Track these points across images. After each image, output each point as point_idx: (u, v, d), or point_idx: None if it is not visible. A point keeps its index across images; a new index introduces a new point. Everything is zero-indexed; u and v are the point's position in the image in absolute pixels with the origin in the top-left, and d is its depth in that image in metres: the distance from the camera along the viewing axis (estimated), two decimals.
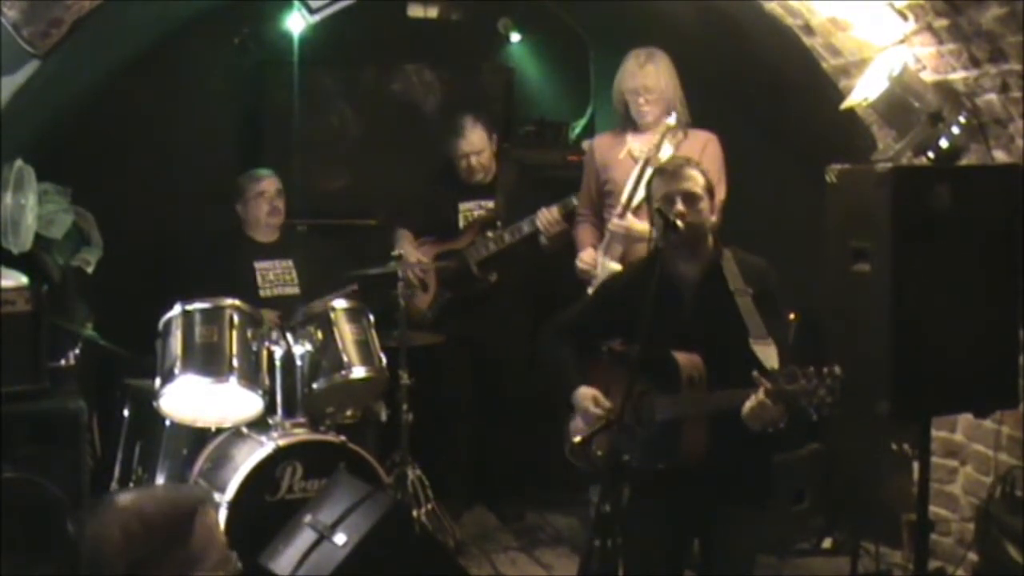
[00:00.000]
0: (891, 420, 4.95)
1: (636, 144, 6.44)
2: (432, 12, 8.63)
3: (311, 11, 7.07)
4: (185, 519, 2.91)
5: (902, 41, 5.32)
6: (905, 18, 5.15)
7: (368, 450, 6.24)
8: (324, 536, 5.40)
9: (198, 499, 2.99)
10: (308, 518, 5.54)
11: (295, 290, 7.05)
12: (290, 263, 7.09)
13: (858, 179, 4.93)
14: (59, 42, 5.47)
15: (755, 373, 4.32)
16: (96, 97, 7.48)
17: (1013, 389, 5.03)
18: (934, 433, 5.49)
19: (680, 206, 4.65)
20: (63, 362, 6.21)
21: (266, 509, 5.87)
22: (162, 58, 7.75)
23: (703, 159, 5.59)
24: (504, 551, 6.99)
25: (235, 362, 6.00)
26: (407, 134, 8.27)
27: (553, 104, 8.74)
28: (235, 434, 6.24)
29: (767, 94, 7.08)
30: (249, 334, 6.13)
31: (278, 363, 6.20)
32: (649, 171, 5.83)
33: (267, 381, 6.15)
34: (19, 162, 5.98)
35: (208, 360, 6.01)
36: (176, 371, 5.97)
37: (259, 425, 6.18)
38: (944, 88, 5.28)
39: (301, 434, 6.12)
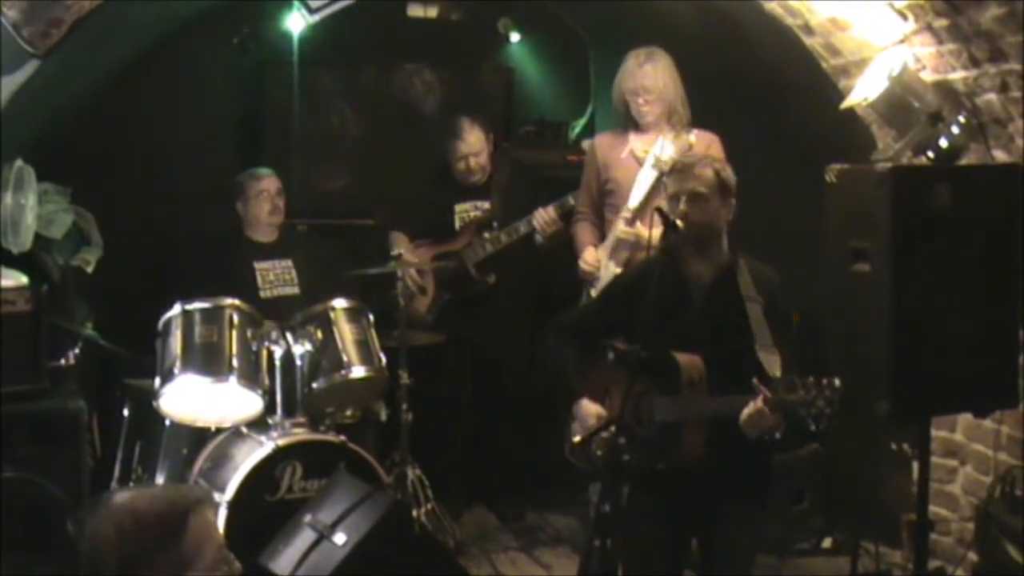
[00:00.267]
0: (891, 420, 4.95)
1: (638, 143, 6.44)
2: (432, 12, 8.63)
3: (311, 11, 7.08)
4: (178, 519, 2.91)
5: (902, 41, 5.32)
6: (905, 18, 5.16)
7: (368, 450, 6.23)
8: (324, 536, 5.39)
9: (194, 499, 2.99)
10: (308, 518, 5.54)
11: (295, 290, 7.04)
12: (289, 263, 7.08)
13: (858, 179, 4.93)
14: (59, 42, 5.47)
15: (754, 380, 4.31)
16: (96, 97, 7.49)
17: (1013, 389, 5.03)
18: (934, 433, 5.50)
19: (683, 205, 4.64)
20: (63, 362, 6.23)
21: (266, 509, 5.87)
22: (162, 58, 7.75)
23: None
24: (504, 551, 6.99)
25: (235, 362, 6.00)
26: (407, 134, 8.27)
27: (553, 104, 8.75)
28: (235, 434, 6.24)
29: (767, 94, 7.08)
30: (249, 334, 6.13)
31: (278, 363, 6.20)
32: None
33: (267, 381, 6.14)
34: (19, 162, 5.99)
35: (208, 360, 6.01)
36: (176, 371, 5.97)
37: (259, 425, 6.18)
38: (944, 88, 5.28)
39: (301, 434, 6.12)
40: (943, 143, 5.07)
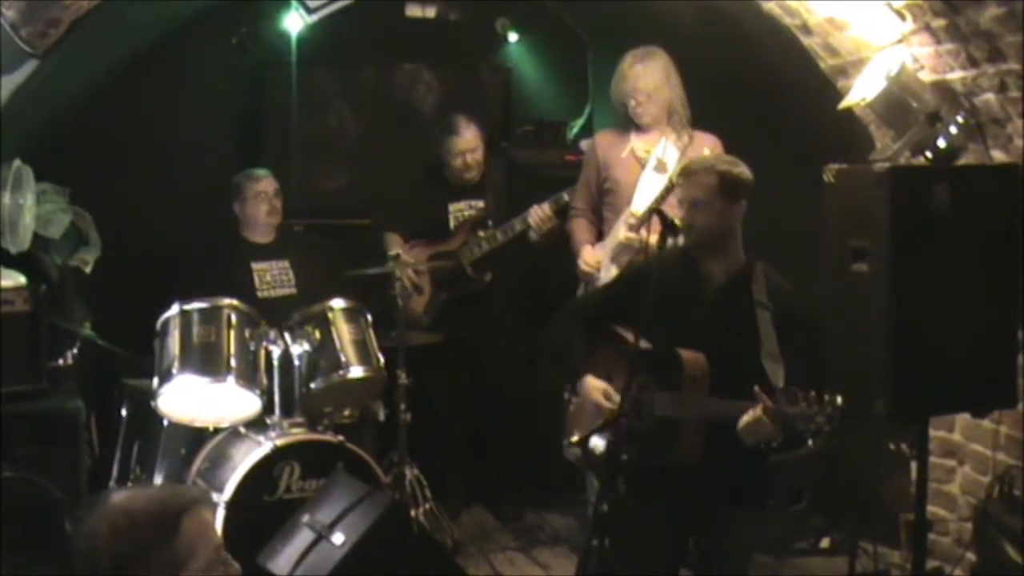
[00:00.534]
0: (889, 420, 4.94)
1: (639, 143, 6.44)
2: (430, 12, 8.63)
3: (309, 11, 7.09)
4: (172, 519, 2.91)
5: (900, 41, 5.32)
6: (903, 18, 5.16)
7: (366, 450, 6.24)
8: (322, 536, 5.40)
9: (190, 499, 2.99)
10: (306, 518, 5.54)
11: (292, 291, 7.03)
12: (287, 264, 7.07)
13: (856, 179, 4.93)
14: (57, 42, 5.47)
15: (756, 388, 4.30)
16: (94, 97, 7.48)
17: (1011, 389, 5.03)
18: (932, 433, 5.49)
19: (685, 212, 4.65)
20: (61, 362, 6.23)
21: (264, 509, 5.87)
22: (160, 58, 7.75)
23: None
24: (502, 551, 6.99)
25: (233, 362, 6.01)
26: (405, 134, 8.26)
27: (551, 104, 8.75)
28: (233, 434, 6.24)
29: (765, 94, 7.08)
30: (247, 334, 6.14)
31: (276, 363, 6.20)
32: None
33: (265, 381, 6.15)
34: (17, 162, 5.99)
35: (206, 360, 6.01)
36: (174, 371, 5.97)
37: (257, 425, 6.18)
38: (942, 88, 5.28)
39: (299, 434, 6.12)
40: (941, 143, 5.07)
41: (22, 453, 5.65)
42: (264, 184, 7.03)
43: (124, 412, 6.55)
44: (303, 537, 5.47)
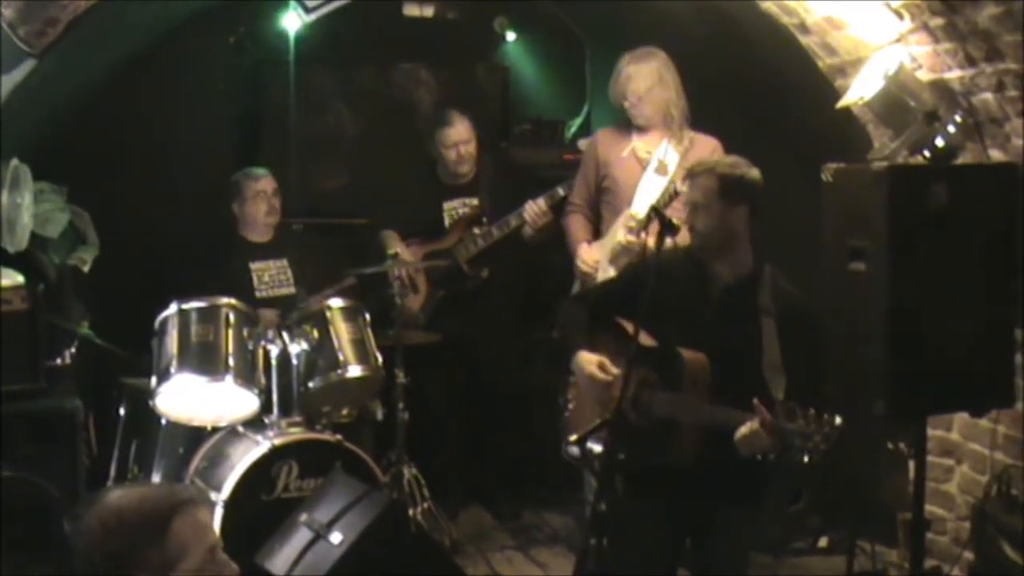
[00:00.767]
0: (887, 419, 4.95)
1: (640, 144, 6.43)
2: (428, 11, 8.63)
3: (307, 10, 7.09)
4: (162, 518, 2.90)
5: (898, 40, 5.32)
6: (901, 17, 5.15)
7: (364, 449, 6.24)
8: (320, 535, 5.39)
9: (183, 499, 2.96)
10: (304, 517, 5.54)
11: (290, 290, 7.03)
12: (285, 263, 7.07)
13: (854, 178, 4.93)
14: (55, 41, 5.46)
15: (755, 401, 4.28)
16: (92, 96, 7.48)
17: (1009, 388, 5.04)
18: (930, 432, 5.49)
19: (686, 215, 4.66)
20: (59, 361, 6.23)
21: (262, 508, 5.88)
22: (158, 57, 7.75)
23: None
24: (500, 550, 6.99)
25: (231, 361, 6.00)
26: (403, 133, 8.26)
27: (549, 103, 8.76)
28: (231, 433, 6.24)
29: (763, 93, 7.08)
30: (245, 333, 6.13)
31: (274, 362, 6.20)
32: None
33: (263, 380, 6.14)
34: (15, 161, 5.98)
35: (204, 359, 6.00)
36: (172, 370, 5.96)
37: (255, 424, 6.18)
38: (940, 87, 5.28)
39: (297, 433, 6.12)
40: (939, 142, 5.07)
41: (20, 453, 5.65)
42: (263, 183, 7.03)
43: (122, 411, 6.54)
44: (301, 536, 5.46)
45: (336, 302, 6.40)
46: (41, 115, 6.68)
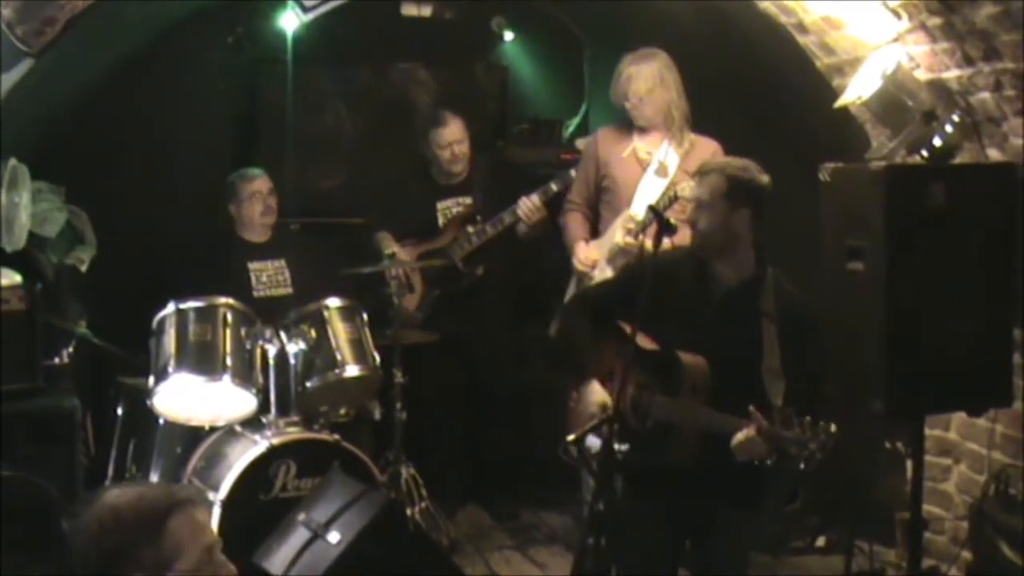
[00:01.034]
0: (885, 418, 4.96)
1: (641, 144, 6.43)
2: (426, 10, 8.62)
3: (305, 10, 7.08)
4: (158, 517, 2.90)
5: (896, 39, 5.32)
6: (899, 16, 5.16)
7: (362, 449, 6.23)
8: (318, 535, 5.39)
9: (180, 499, 2.96)
10: (302, 516, 5.54)
11: (288, 290, 7.03)
12: (283, 263, 7.06)
13: (852, 178, 4.94)
14: (53, 40, 5.46)
15: (752, 408, 4.29)
16: (90, 96, 7.49)
17: (1007, 387, 5.04)
18: (928, 431, 5.49)
19: (690, 212, 4.65)
20: (57, 360, 6.22)
21: (260, 508, 5.87)
22: (156, 57, 7.75)
23: None
24: (498, 550, 6.99)
25: (229, 361, 6.00)
26: (401, 133, 8.26)
27: (547, 102, 8.75)
28: (229, 433, 6.23)
29: (761, 92, 7.08)
30: (243, 332, 6.13)
31: (272, 362, 6.19)
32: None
33: (261, 380, 6.14)
34: (13, 160, 5.98)
35: (202, 359, 6.00)
36: (170, 369, 5.96)
37: (253, 424, 6.18)
38: (938, 86, 5.28)
39: (295, 433, 6.12)
40: (937, 142, 5.08)
41: (18, 452, 5.65)
42: (258, 184, 7.02)
43: (120, 411, 6.54)
44: (299, 536, 5.46)
45: (334, 302, 6.40)
46: (39, 115, 6.67)
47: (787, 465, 4.25)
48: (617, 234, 6.34)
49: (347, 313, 6.41)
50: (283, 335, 6.25)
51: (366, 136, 8.45)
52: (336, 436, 6.14)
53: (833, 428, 4.15)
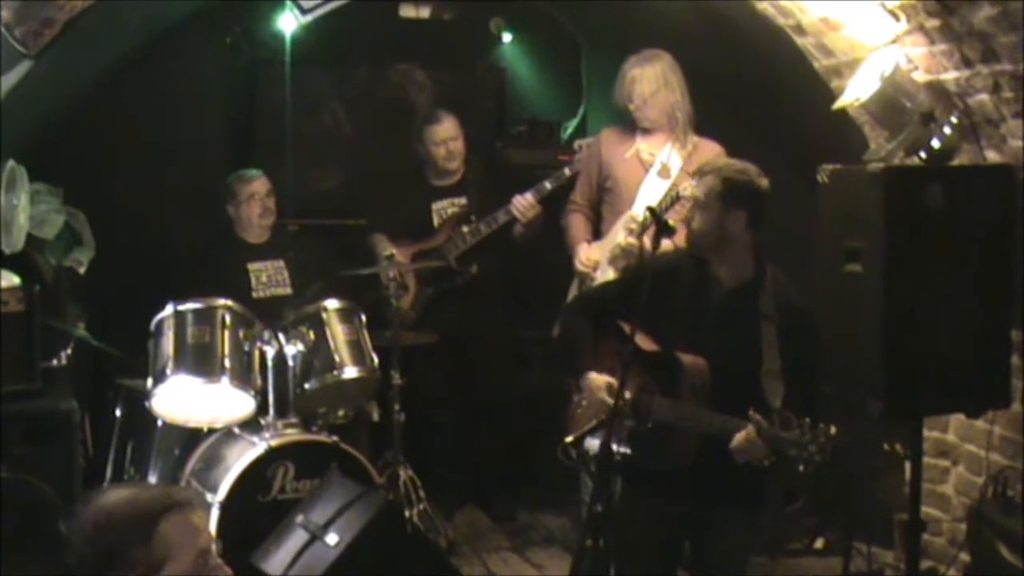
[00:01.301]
0: (884, 420, 4.95)
1: (644, 145, 6.43)
2: (424, 12, 8.64)
3: (303, 11, 7.06)
4: (149, 519, 2.91)
5: (894, 41, 5.31)
6: (897, 18, 5.15)
7: (360, 450, 6.23)
8: (316, 536, 5.39)
9: (174, 501, 2.97)
10: (300, 518, 5.54)
11: (287, 291, 7.03)
12: (282, 264, 7.07)
13: (850, 179, 4.93)
14: (51, 42, 5.46)
15: (751, 412, 4.29)
16: (88, 97, 7.48)
17: (1005, 389, 5.04)
18: (926, 433, 5.49)
19: (688, 211, 4.66)
20: (55, 362, 6.22)
21: (258, 509, 5.87)
22: (154, 58, 7.76)
23: None
24: (496, 551, 6.99)
25: (227, 362, 6.00)
26: (399, 134, 8.25)
27: (545, 104, 8.75)
28: (227, 434, 6.24)
29: (759, 94, 7.08)
30: (241, 334, 6.13)
31: (270, 363, 6.20)
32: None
33: (259, 381, 6.15)
34: (11, 162, 5.98)
35: (200, 360, 6.01)
36: (168, 371, 5.97)
37: (251, 425, 6.18)
38: (936, 88, 5.28)
39: (293, 434, 6.12)
40: (935, 143, 5.07)
41: (16, 453, 5.65)
42: (256, 185, 7.03)
43: (118, 412, 6.55)
44: (297, 537, 5.46)
45: (332, 303, 6.40)
46: (37, 116, 6.67)
47: (786, 467, 4.26)
48: (619, 235, 6.35)
49: (345, 314, 6.42)
50: (281, 337, 6.25)
51: (364, 137, 8.46)
52: (334, 437, 6.14)
53: (833, 430, 4.16)
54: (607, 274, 6.30)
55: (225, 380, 5.98)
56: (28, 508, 5.50)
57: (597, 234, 6.61)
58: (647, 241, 4.81)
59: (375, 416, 6.76)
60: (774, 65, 6.52)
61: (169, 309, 6.09)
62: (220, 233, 7.12)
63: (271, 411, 6.19)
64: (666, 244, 4.65)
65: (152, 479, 6.27)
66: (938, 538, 5.89)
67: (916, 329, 4.74)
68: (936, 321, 4.77)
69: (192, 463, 6.19)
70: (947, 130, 5.08)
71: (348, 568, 5.25)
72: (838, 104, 5.61)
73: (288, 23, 7.72)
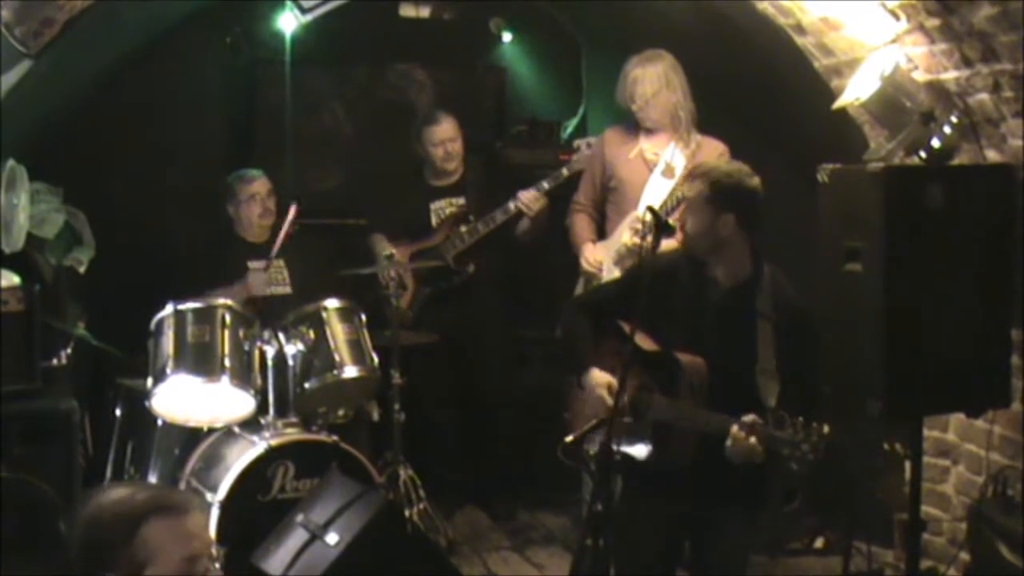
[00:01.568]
0: (883, 419, 4.95)
1: (648, 145, 6.44)
2: (424, 12, 8.64)
3: (303, 10, 7.06)
4: (132, 520, 2.91)
5: (894, 41, 5.31)
6: (897, 18, 5.15)
7: (360, 450, 6.23)
8: (316, 536, 5.39)
9: (165, 504, 2.97)
10: (300, 518, 5.54)
11: (287, 290, 7.03)
12: (282, 263, 7.06)
13: (850, 179, 4.93)
14: (51, 42, 5.46)
15: (743, 416, 4.30)
16: (88, 97, 7.48)
17: (1005, 389, 5.04)
18: (926, 432, 5.49)
19: (681, 213, 4.66)
20: (55, 362, 6.22)
21: (258, 509, 5.87)
22: (154, 58, 7.76)
23: None
24: (496, 550, 6.99)
25: (227, 362, 6.00)
26: (399, 133, 8.26)
27: (545, 103, 8.75)
28: (227, 434, 6.23)
29: (759, 94, 7.08)
30: (241, 334, 6.13)
31: (270, 363, 6.20)
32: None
33: (259, 381, 6.14)
34: (11, 162, 5.98)
35: (200, 360, 6.00)
36: (168, 371, 5.96)
37: (251, 425, 6.18)
38: (936, 88, 5.28)
39: (293, 434, 6.12)
40: (935, 143, 5.07)
41: (16, 453, 5.65)
42: (256, 186, 7.03)
43: (118, 412, 6.55)
44: (297, 537, 5.46)
45: (332, 303, 6.40)
46: (37, 116, 6.67)
47: (778, 465, 4.27)
48: (624, 235, 6.35)
49: (345, 314, 6.42)
50: (281, 336, 6.25)
51: (364, 137, 8.46)
52: (334, 437, 6.14)
53: (826, 429, 4.17)
54: (613, 274, 6.31)
55: (225, 379, 5.98)
56: (28, 508, 5.50)
57: (601, 234, 6.61)
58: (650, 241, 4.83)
59: (375, 416, 6.75)
60: (774, 65, 6.52)
61: (169, 308, 6.09)
62: (220, 233, 7.11)
63: (271, 410, 6.19)
64: (668, 244, 4.64)
65: (152, 479, 6.27)
66: (938, 537, 5.89)
67: (916, 329, 4.74)
68: (936, 321, 4.77)
69: (192, 463, 6.19)
70: (947, 130, 5.08)
71: (348, 567, 5.25)
72: (838, 104, 5.61)
73: (288, 23, 7.74)
